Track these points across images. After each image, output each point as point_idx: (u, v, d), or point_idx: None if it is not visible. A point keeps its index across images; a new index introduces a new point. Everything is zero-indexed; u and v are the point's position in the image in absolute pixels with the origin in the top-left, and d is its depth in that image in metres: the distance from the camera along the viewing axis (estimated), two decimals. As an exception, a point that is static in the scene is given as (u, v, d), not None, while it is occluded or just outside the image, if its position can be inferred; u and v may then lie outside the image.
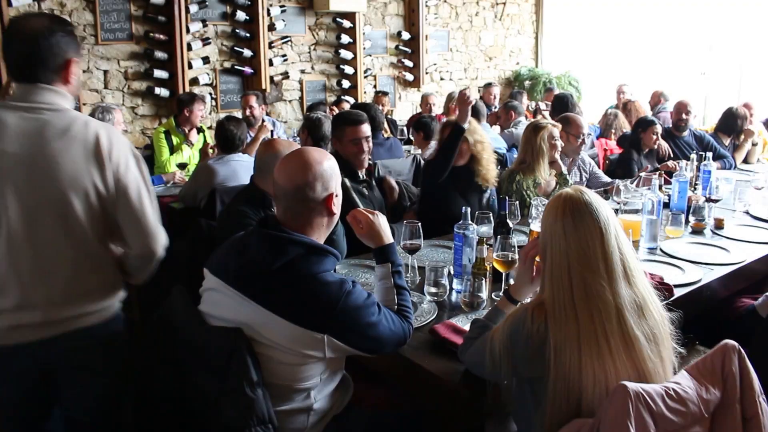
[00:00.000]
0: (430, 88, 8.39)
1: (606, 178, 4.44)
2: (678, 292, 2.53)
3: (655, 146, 5.09)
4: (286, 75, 7.09)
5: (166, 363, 1.94)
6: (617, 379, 1.57)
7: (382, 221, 2.16)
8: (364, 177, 3.43)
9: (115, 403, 2.13)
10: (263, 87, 6.71)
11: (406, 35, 8.15)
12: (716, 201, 3.70)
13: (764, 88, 7.82)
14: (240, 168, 4.11)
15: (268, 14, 6.75)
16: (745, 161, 5.47)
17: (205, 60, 6.41)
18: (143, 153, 5.51)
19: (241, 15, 6.57)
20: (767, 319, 2.66)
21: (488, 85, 8.11)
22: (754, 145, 5.50)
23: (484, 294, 2.41)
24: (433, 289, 2.47)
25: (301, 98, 7.31)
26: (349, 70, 7.55)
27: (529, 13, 9.78)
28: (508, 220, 2.77)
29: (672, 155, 5.14)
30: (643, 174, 4.10)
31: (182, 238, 3.24)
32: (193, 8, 6.22)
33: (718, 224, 3.40)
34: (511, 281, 2.35)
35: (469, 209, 2.63)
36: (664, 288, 2.40)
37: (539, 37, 9.95)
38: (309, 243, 1.85)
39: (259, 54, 6.67)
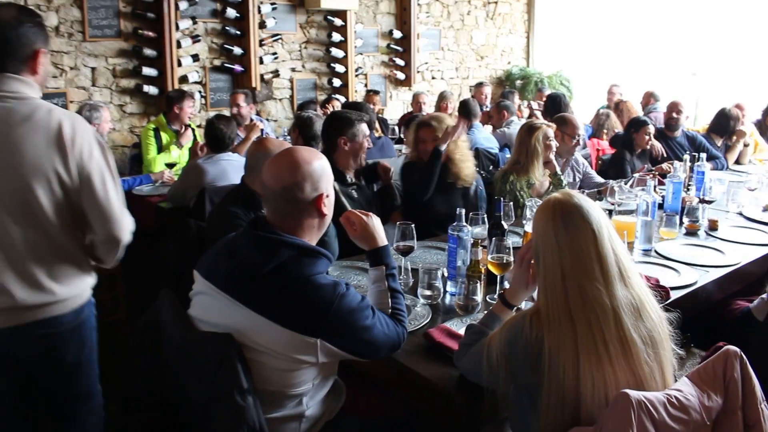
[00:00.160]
0: (421, 87, 8.35)
1: (599, 179, 4.42)
2: (674, 295, 2.51)
3: (648, 146, 5.07)
4: (276, 73, 7.02)
5: (153, 368, 1.89)
6: (617, 386, 1.54)
7: (376, 223, 2.12)
8: (353, 180, 3.40)
9: (88, 389, 2.20)
10: (253, 85, 6.64)
11: (397, 34, 8.10)
12: (710, 202, 3.69)
13: (755, 89, 7.83)
14: (230, 167, 4.06)
15: (259, 12, 6.68)
16: (737, 162, 5.47)
17: (195, 58, 6.33)
18: (132, 152, 5.49)
19: (231, 12, 6.50)
20: (764, 323, 2.64)
21: (479, 85, 8.08)
22: (745, 146, 5.51)
23: (478, 297, 2.37)
24: (427, 292, 2.42)
25: (292, 97, 7.25)
26: (340, 68, 7.49)
27: (520, 13, 9.76)
28: (502, 222, 2.74)
29: (665, 156, 5.12)
30: (637, 175, 4.08)
31: (171, 238, 3.19)
32: (183, 5, 6.14)
33: (712, 225, 3.38)
34: (506, 284, 2.31)
35: (463, 210, 2.60)
36: (660, 290, 2.38)
37: (531, 36, 9.93)
38: (301, 245, 1.80)
39: (249, 52, 6.60)
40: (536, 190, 3.87)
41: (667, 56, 8.94)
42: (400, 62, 8.19)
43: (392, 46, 8.13)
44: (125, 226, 2.09)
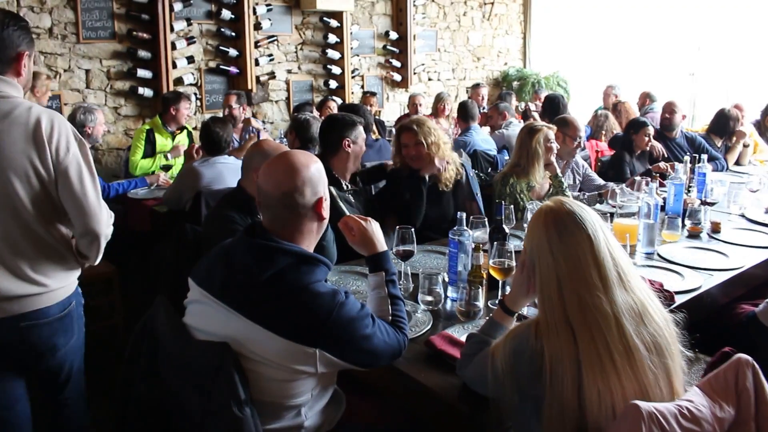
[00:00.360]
0: (418, 89, 8.30)
1: (600, 181, 4.38)
2: (678, 299, 2.47)
3: (647, 148, 5.03)
4: (272, 75, 6.97)
5: (149, 378, 1.84)
6: (623, 396, 1.50)
7: (375, 228, 2.08)
8: (348, 185, 3.35)
9: (79, 375, 2.30)
10: (249, 87, 6.59)
11: (393, 35, 8.06)
12: (712, 204, 3.65)
13: (753, 90, 7.81)
14: (226, 170, 4.01)
15: (254, 13, 6.63)
16: (737, 163, 5.44)
17: (190, 59, 6.28)
18: (126, 154, 5.42)
19: (226, 14, 6.44)
20: (772, 328, 2.60)
21: (476, 86, 8.06)
22: (745, 146, 5.48)
23: (480, 302, 2.33)
24: (428, 298, 2.38)
25: (288, 99, 7.20)
26: (336, 70, 7.45)
27: (516, 14, 9.73)
28: (504, 226, 2.69)
29: (666, 157, 5.08)
30: (637, 178, 4.04)
31: (167, 242, 3.14)
32: (177, 6, 6.08)
33: (715, 228, 3.34)
34: (508, 289, 2.27)
35: (464, 214, 2.55)
36: (664, 295, 2.33)
37: (527, 37, 9.90)
38: (299, 252, 1.76)
39: (244, 53, 6.55)
40: (536, 193, 3.83)
41: (664, 56, 8.92)
42: (397, 64, 8.15)
43: (388, 47, 8.09)
44: (102, 220, 2.12)
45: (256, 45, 6.73)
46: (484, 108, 7.34)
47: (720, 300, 2.74)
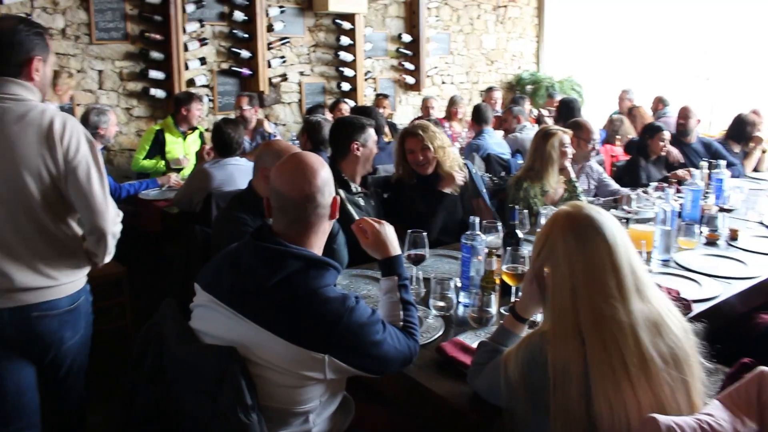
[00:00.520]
0: (431, 92, 8.27)
1: (615, 186, 4.31)
2: (696, 308, 2.41)
3: (663, 153, 4.97)
4: (284, 77, 6.95)
5: (155, 381, 1.81)
6: (639, 410, 1.45)
7: (389, 231, 2.06)
8: (358, 188, 3.30)
9: (80, 372, 2.36)
10: (261, 89, 6.58)
11: (407, 37, 8.03)
12: (729, 211, 3.58)
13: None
14: (237, 172, 3.98)
15: (267, 15, 6.62)
16: (755, 169, 5.35)
17: (202, 61, 6.27)
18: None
19: (239, 15, 6.43)
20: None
21: (490, 90, 8.01)
22: (763, 152, 5.39)
23: (493, 309, 2.28)
24: (440, 303, 2.34)
25: (300, 101, 7.18)
26: (349, 72, 7.42)
27: (530, 17, 9.67)
28: (517, 231, 2.65)
29: (683, 162, 5.01)
30: (653, 184, 3.97)
31: (176, 244, 3.12)
32: (190, 8, 6.08)
33: (733, 235, 3.27)
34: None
35: (477, 219, 2.51)
36: (681, 303, 2.28)
37: (541, 40, 9.84)
38: (308, 256, 1.73)
39: (257, 55, 6.54)
40: (550, 198, 3.77)
41: (679, 61, 8.83)
42: (410, 66, 8.11)
43: (401, 50, 8.05)
44: (109, 217, 2.20)
45: (269, 47, 6.71)
46: (497, 112, 7.28)
47: (738, 309, 2.67)
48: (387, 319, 1.87)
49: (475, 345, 1.99)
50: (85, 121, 4.26)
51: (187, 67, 6.12)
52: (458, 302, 2.43)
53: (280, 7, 6.76)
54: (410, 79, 8.17)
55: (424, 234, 2.52)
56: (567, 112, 5.70)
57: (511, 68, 9.55)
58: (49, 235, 2.16)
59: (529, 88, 9.26)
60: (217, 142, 4.09)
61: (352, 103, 6.71)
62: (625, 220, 3.14)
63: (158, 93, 5.97)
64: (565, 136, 3.78)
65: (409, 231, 2.54)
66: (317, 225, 1.80)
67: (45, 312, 2.17)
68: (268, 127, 5.85)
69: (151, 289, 4.21)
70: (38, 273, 2.13)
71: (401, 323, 1.89)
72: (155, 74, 5.94)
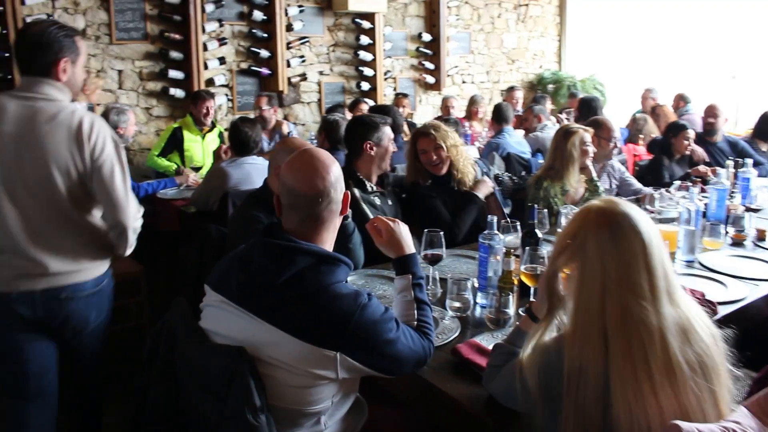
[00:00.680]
0: (451, 91, 8.20)
1: (638, 185, 4.23)
2: (721, 311, 2.34)
3: (687, 152, 4.86)
4: (303, 77, 6.93)
5: (165, 380, 1.79)
6: (660, 417, 1.38)
7: (403, 230, 2.03)
8: (374, 187, 3.24)
9: (100, 355, 2.50)
10: (280, 88, 6.56)
11: (427, 37, 7.97)
12: (756, 210, 3.48)
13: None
14: (254, 171, 3.97)
15: (286, 14, 6.60)
16: (783, 168, 5.22)
17: (222, 60, 6.27)
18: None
19: (258, 15, 6.42)
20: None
21: (511, 89, 7.92)
22: (791, 151, 5.26)
23: (510, 310, 2.23)
24: (456, 304, 2.29)
25: (320, 100, 7.16)
26: (368, 71, 7.38)
27: (552, 15, 9.57)
28: (536, 230, 2.59)
29: (707, 162, 4.91)
30: (677, 182, 3.88)
31: (191, 242, 3.11)
32: (209, 8, 6.08)
33: (761, 235, 3.18)
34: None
35: (495, 218, 2.46)
36: (707, 306, 2.21)
37: (563, 39, 9.73)
38: (319, 252, 1.70)
39: (276, 55, 6.52)
40: (571, 197, 3.70)
41: (704, 59, 8.67)
42: (430, 66, 8.05)
43: (421, 49, 8.00)
44: (130, 213, 2.34)
45: (288, 46, 6.69)
46: (518, 111, 7.20)
47: (765, 312, 2.59)
48: (401, 318, 1.83)
49: (491, 347, 1.94)
50: (105, 120, 4.26)
51: (206, 67, 6.12)
52: (475, 303, 2.38)
53: (300, 6, 6.74)
54: (430, 79, 8.11)
55: (441, 233, 2.48)
56: (587, 110, 5.61)
57: (532, 67, 9.45)
58: (76, 225, 2.31)
59: (550, 87, 9.16)
60: (234, 141, 4.08)
61: (371, 103, 6.66)
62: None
63: (177, 93, 5.98)
64: (586, 134, 3.71)
65: (426, 230, 2.50)
66: (329, 221, 1.78)
67: (73, 293, 2.33)
68: (286, 128, 5.83)
69: (169, 289, 4.21)
70: (66, 258, 2.29)
71: (415, 323, 1.85)
72: (174, 74, 5.94)
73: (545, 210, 3.04)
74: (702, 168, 4.56)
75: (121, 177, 2.32)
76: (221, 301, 1.71)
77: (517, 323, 1.86)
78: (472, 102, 7.20)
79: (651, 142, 5.66)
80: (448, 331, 2.17)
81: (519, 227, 2.71)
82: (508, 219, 2.81)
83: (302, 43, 6.86)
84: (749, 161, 3.92)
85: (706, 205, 3.41)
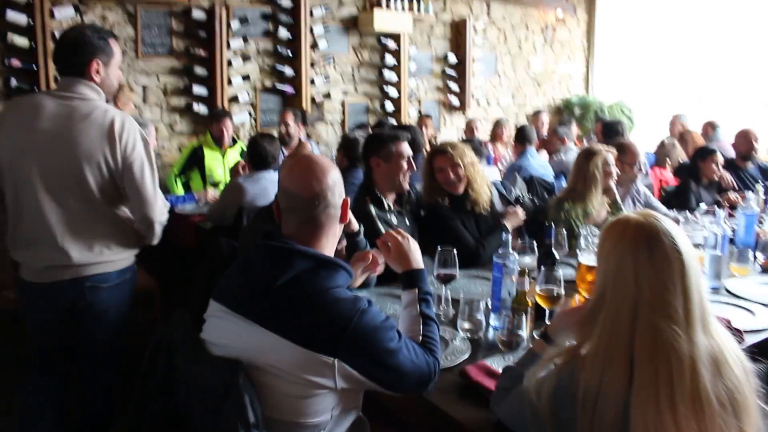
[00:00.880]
0: (476, 113, 8.15)
1: (663, 209, 4.10)
2: (748, 339, 2.22)
3: (716, 177, 4.73)
4: (327, 96, 6.93)
5: (162, 393, 1.74)
6: None
7: (412, 245, 1.99)
8: (392, 206, 3.16)
9: (118, 339, 2.62)
10: (304, 107, 6.56)
11: (452, 58, 7.94)
12: (787, 237, 3.34)
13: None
14: (271, 186, 3.93)
15: (311, 33, 6.62)
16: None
17: (246, 78, 6.30)
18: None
19: (283, 33, 6.45)
20: None
21: (537, 113, 7.86)
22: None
23: (524, 332, 2.13)
24: (466, 325, 2.20)
25: (343, 120, 7.14)
26: (393, 92, 7.37)
27: (580, 39, 9.50)
28: (554, 251, 2.50)
29: (736, 187, 4.76)
30: (703, 206, 3.76)
31: (204, 258, 3.07)
32: (235, 25, 6.12)
33: (792, 263, 3.05)
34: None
35: (510, 236, 2.38)
36: (734, 334, 2.09)
37: (591, 63, 9.65)
38: (317, 256, 1.66)
39: (300, 73, 6.54)
40: (593, 220, 3.59)
41: (736, 85, 8.51)
42: (455, 87, 8.02)
43: (447, 70, 7.97)
44: (157, 208, 2.51)
45: (312, 65, 6.70)
46: (544, 136, 7.12)
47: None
48: (406, 334, 1.77)
49: (501, 370, 1.85)
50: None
51: (230, 83, 6.15)
52: (488, 324, 2.29)
53: (325, 25, 6.76)
54: (455, 100, 8.07)
55: (455, 251, 2.40)
56: (610, 133, 5.50)
57: (559, 91, 9.37)
58: (104, 219, 2.46)
59: (577, 111, 9.07)
60: (253, 155, 4.06)
61: (394, 123, 6.63)
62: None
63: (201, 109, 6.00)
64: (609, 155, 3.62)
65: (439, 248, 2.42)
66: (327, 226, 1.75)
67: (97, 284, 2.48)
68: (308, 148, 5.79)
69: (180, 301, 4.16)
70: (93, 250, 2.44)
71: (420, 338, 1.78)
72: (198, 90, 5.97)
73: (565, 231, 2.95)
74: (732, 195, 4.43)
75: (150, 174, 2.47)
76: (220, 310, 1.68)
77: (531, 346, 1.77)
78: (497, 125, 7.14)
79: (678, 166, 5.54)
80: (458, 352, 2.08)
81: (536, 249, 2.62)
82: (527, 239, 2.73)
83: (327, 62, 6.86)
84: (780, 186, 3.79)
85: (733, 230, 3.29)
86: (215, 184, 5.02)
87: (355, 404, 1.74)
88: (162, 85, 5.90)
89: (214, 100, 6.02)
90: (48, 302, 2.49)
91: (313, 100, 6.78)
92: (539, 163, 5.52)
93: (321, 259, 1.66)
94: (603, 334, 1.40)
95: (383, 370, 1.61)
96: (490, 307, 2.37)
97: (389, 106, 7.37)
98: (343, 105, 7.14)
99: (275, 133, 5.50)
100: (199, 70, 5.95)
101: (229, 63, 6.12)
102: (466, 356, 2.06)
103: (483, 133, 7.28)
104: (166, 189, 5.03)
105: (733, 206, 4.02)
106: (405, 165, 3.09)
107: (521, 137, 5.64)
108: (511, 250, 2.37)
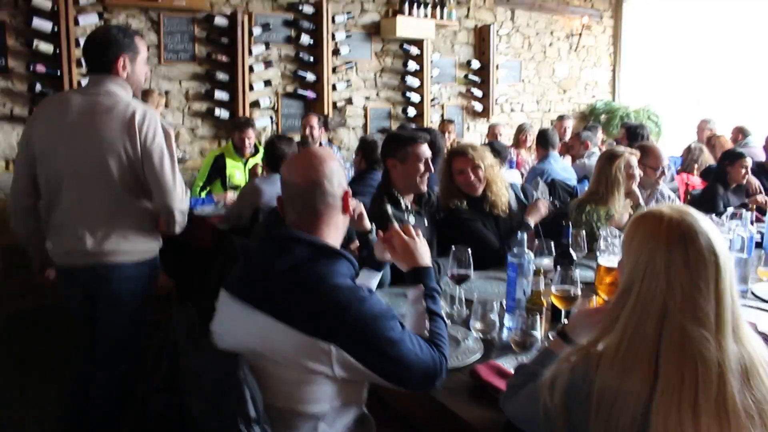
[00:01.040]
0: (500, 119, 8.08)
1: (689, 213, 4.00)
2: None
3: (744, 181, 4.61)
4: (349, 101, 6.92)
5: (167, 389, 1.74)
6: None
7: (419, 243, 1.95)
8: (410, 206, 3.12)
9: (133, 330, 2.69)
10: (326, 112, 6.55)
11: (475, 64, 7.89)
12: (818, 241, 3.23)
13: None
14: (288, 188, 3.90)
15: (333, 39, 6.62)
16: None
17: (267, 83, 6.31)
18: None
19: (305, 39, 6.46)
20: None
21: (561, 118, 7.75)
22: None
23: (538, 333, 2.07)
24: (479, 325, 2.14)
25: (365, 126, 7.12)
26: (415, 98, 7.33)
27: (606, 45, 9.38)
28: (571, 250, 2.43)
29: (762, 191, 4.64)
30: (730, 209, 3.65)
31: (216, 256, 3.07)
32: (257, 31, 6.14)
33: (822, 267, 2.93)
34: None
35: (525, 235, 2.31)
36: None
37: (617, 69, 9.52)
38: (317, 243, 1.67)
39: (322, 79, 6.54)
40: (615, 223, 3.51)
41: (765, 89, 8.33)
42: (478, 93, 7.96)
43: (470, 76, 7.92)
44: (176, 197, 2.57)
45: (334, 70, 6.70)
46: (566, 140, 7.02)
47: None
48: (412, 329, 1.73)
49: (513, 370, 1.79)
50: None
51: (252, 89, 6.16)
52: (502, 325, 2.23)
53: (347, 31, 6.76)
54: (478, 106, 8.01)
55: (469, 251, 2.35)
56: (633, 137, 5.39)
57: (584, 97, 9.26)
58: (124, 210, 2.56)
59: (603, 118, 8.95)
60: (270, 157, 4.05)
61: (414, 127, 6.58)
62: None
63: (222, 113, 6.03)
64: (632, 157, 3.53)
65: (453, 248, 2.37)
66: (327, 215, 1.74)
67: (109, 273, 2.57)
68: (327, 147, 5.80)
69: (192, 301, 4.16)
70: (109, 240, 2.54)
71: (427, 333, 1.75)
72: (220, 95, 6.00)
73: (583, 232, 2.87)
74: (760, 198, 4.31)
75: (170, 164, 2.54)
76: (225, 298, 1.70)
77: (547, 344, 1.71)
78: (520, 130, 7.04)
79: (705, 169, 5.41)
80: (469, 352, 2.03)
81: (554, 249, 2.56)
82: (542, 240, 2.66)
83: (349, 68, 6.85)
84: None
85: (761, 234, 3.18)
86: (234, 188, 5.01)
87: (356, 399, 1.71)
88: (184, 90, 5.94)
89: (235, 105, 6.04)
90: (68, 287, 2.68)
91: (334, 105, 6.78)
92: (562, 167, 5.44)
93: (321, 246, 1.67)
94: (626, 332, 1.32)
95: (383, 360, 1.58)
96: (504, 307, 2.31)
97: (411, 112, 7.34)
98: (365, 110, 7.12)
99: (297, 139, 5.50)
100: (221, 76, 5.98)
101: (251, 69, 6.14)
102: (478, 356, 2.00)
103: (506, 139, 7.20)
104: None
105: (761, 210, 3.90)
106: (422, 167, 3.04)
107: (543, 141, 5.56)
108: (526, 249, 2.31)
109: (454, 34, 7.79)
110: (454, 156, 3.30)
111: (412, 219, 3.08)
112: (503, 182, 3.34)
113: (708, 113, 7.70)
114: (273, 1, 6.33)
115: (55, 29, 5.10)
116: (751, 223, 3.17)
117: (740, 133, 6.95)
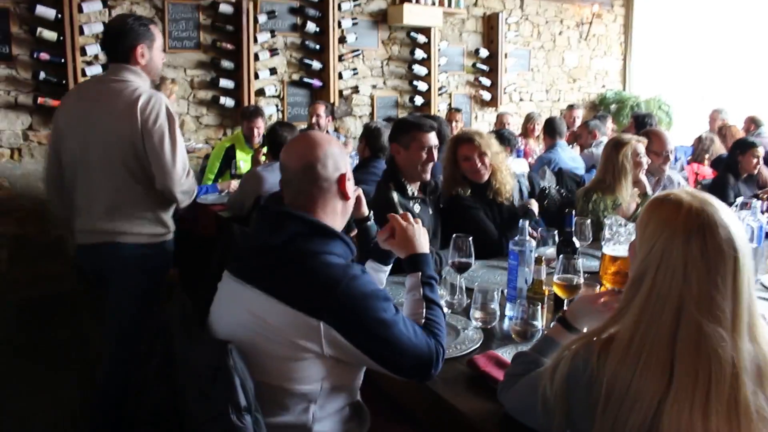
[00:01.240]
0: (508, 109, 7.99)
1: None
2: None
3: (755, 171, 4.52)
4: (356, 89, 6.87)
5: (161, 378, 1.71)
6: None
7: (417, 229, 1.91)
8: (416, 193, 3.08)
9: (139, 314, 2.75)
10: (332, 101, 6.50)
11: (484, 53, 7.80)
12: (830, 231, 3.16)
13: None
14: (290, 176, 3.86)
15: (339, 27, 6.56)
16: None
17: (273, 71, 6.25)
18: (203, 163, 5.43)
19: (311, 26, 6.40)
20: None
21: (570, 107, 7.65)
22: None
23: (539, 322, 2.02)
24: (479, 314, 2.10)
25: (372, 114, 7.07)
26: (422, 86, 7.26)
27: (617, 34, 9.26)
28: (574, 239, 2.38)
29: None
30: (740, 199, 3.58)
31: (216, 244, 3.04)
32: (262, 18, 6.09)
33: (833, 257, 2.87)
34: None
35: (527, 222, 2.27)
36: None
37: (628, 59, 9.40)
38: (313, 221, 1.66)
39: (328, 67, 6.48)
40: (623, 212, 3.45)
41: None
42: (486, 82, 7.88)
43: (478, 65, 7.84)
44: (175, 179, 2.63)
45: (341, 59, 6.64)
46: (574, 130, 6.94)
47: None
48: (408, 316, 1.71)
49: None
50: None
51: (257, 77, 6.11)
52: (503, 314, 2.19)
53: (354, 19, 6.69)
54: (486, 95, 7.93)
55: (470, 239, 2.30)
56: (640, 127, 5.31)
57: (594, 87, 9.16)
58: (128, 192, 2.65)
59: (613, 107, 8.85)
60: (272, 143, 4.00)
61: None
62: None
63: (228, 102, 5.99)
64: (640, 145, 3.47)
65: (454, 235, 2.32)
66: (321, 199, 1.72)
67: (114, 252, 2.67)
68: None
69: (193, 288, 4.15)
70: (114, 220, 2.64)
71: (423, 321, 1.72)
72: (225, 83, 5.95)
73: (588, 221, 2.82)
74: (771, 189, 4.23)
75: (170, 146, 2.60)
76: (224, 278, 1.72)
77: (547, 331, 1.67)
78: (528, 119, 6.97)
79: (716, 159, 5.32)
80: (468, 341, 1.99)
81: (555, 235, 2.51)
82: (547, 230, 2.62)
83: (355, 56, 6.79)
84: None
85: (771, 223, 3.11)
86: (239, 176, 4.98)
87: (348, 382, 1.69)
88: (189, 78, 5.90)
89: (241, 93, 5.99)
90: (84, 264, 2.84)
91: (341, 93, 6.72)
92: (570, 156, 5.37)
93: (315, 225, 1.66)
94: (639, 325, 1.26)
95: (373, 341, 1.56)
96: (505, 295, 2.27)
97: (419, 100, 7.27)
98: (372, 99, 7.07)
99: (303, 127, 5.46)
100: (226, 64, 5.93)
101: (256, 56, 6.09)
102: (477, 345, 1.97)
103: (514, 128, 7.12)
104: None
105: (772, 200, 3.82)
106: (424, 155, 2.99)
107: (550, 130, 5.49)
108: (528, 237, 2.27)
109: (462, 22, 7.70)
110: (460, 143, 3.25)
111: (417, 207, 3.05)
112: (508, 170, 3.30)
113: (720, 103, 7.58)
114: (278, -12, 6.28)
115: (59, 16, 5.07)
116: (762, 212, 3.10)
117: (752, 124, 6.84)
